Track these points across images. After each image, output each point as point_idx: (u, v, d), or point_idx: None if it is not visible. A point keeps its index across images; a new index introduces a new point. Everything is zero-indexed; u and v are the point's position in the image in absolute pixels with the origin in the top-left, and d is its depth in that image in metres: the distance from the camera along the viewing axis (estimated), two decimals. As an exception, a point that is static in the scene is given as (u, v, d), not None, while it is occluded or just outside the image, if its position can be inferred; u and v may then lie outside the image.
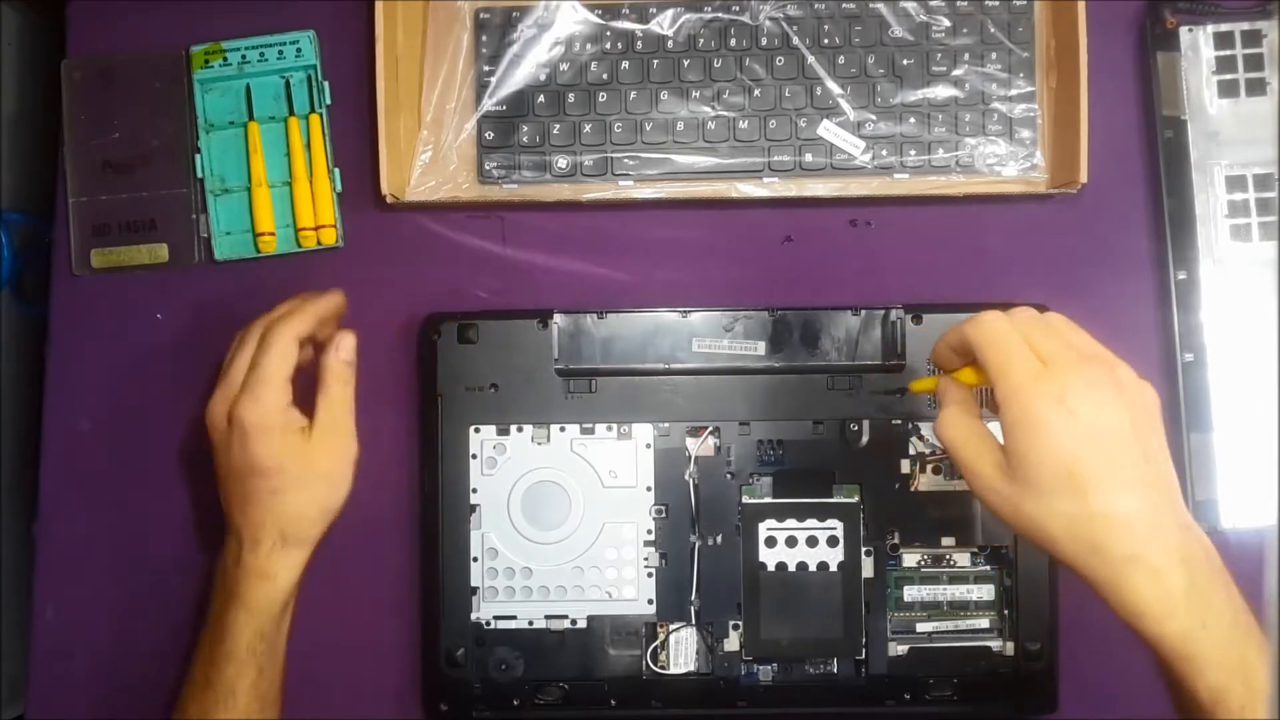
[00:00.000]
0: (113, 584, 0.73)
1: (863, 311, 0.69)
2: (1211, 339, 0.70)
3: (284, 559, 0.62)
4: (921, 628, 0.69)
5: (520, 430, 0.69)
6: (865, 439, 0.69)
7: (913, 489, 0.69)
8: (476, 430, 0.69)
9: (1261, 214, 0.71)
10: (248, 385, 0.62)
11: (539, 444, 0.69)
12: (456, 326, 0.69)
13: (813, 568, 0.68)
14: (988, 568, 0.69)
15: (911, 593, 0.69)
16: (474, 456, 0.69)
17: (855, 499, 0.69)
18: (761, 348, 0.69)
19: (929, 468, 0.69)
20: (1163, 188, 0.71)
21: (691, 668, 0.69)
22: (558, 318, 0.69)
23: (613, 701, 0.69)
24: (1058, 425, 0.49)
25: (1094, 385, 0.49)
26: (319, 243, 0.73)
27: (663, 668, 0.69)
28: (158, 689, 0.72)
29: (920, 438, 0.69)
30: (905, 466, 0.69)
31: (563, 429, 0.69)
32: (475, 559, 0.69)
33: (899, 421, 0.69)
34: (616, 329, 0.69)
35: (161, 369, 0.73)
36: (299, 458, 0.62)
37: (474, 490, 0.69)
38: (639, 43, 0.72)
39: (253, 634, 0.62)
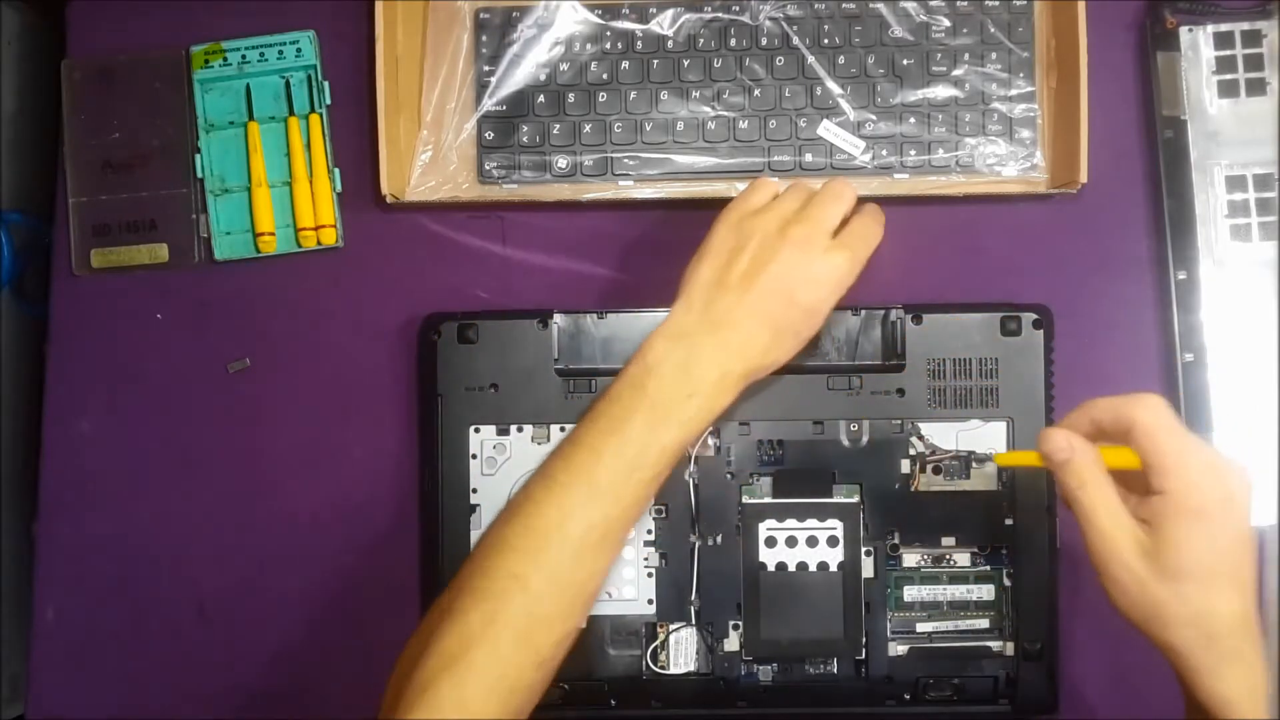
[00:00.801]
0: (113, 584, 0.73)
1: (862, 311, 0.69)
2: (1211, 339, 0.70)
3: (738, 388, 0.61)
4: (921, 628, 0.69)
5: (520, 430, 0.69)
6: (865, 439, 0.69)
7: (913, 489, 0.69)
8: (476, 430, 0.69)
9: (1261, 214, 0.71)
10: (859, 234, 0.63)
11: (539, 444, 0.69)
12: (456, 326, 0.69)
13: (813, 568, 0.68)
14: (988, 568, 0.69)
15: (911, 593, 0.69)
16: (474, 456, 0.69)
17: (855, 499, 0.69)
18: None
19: (929, 468, 0.69)
20: (1163, 188, 0.71)
21: (691, 668, 0.69)
22: (558, 318, 0.69)
23: (613, 701, 0.69)
24: (1224, 523, 0.52)
25: (1248, 491, 0.53)
26: (319, 243, 0.73)
27: (663, 668, 0.69)
28: (158, 689, 0.72)
29: (920, 438, 0.69)
30: (905, 466, 0.69)
31: (563, 429, 0.69)
32: None
33: (899, 421, 0.69)
34: (616, 329, 0.69)
35: (161, 369, 0.73)
36: (806, 310, 0.61)
37: (474, 490, 0.69)
38: (639, 43, 0.72)
39: (695, 436, 0.61)
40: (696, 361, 0.59)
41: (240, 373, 0.73)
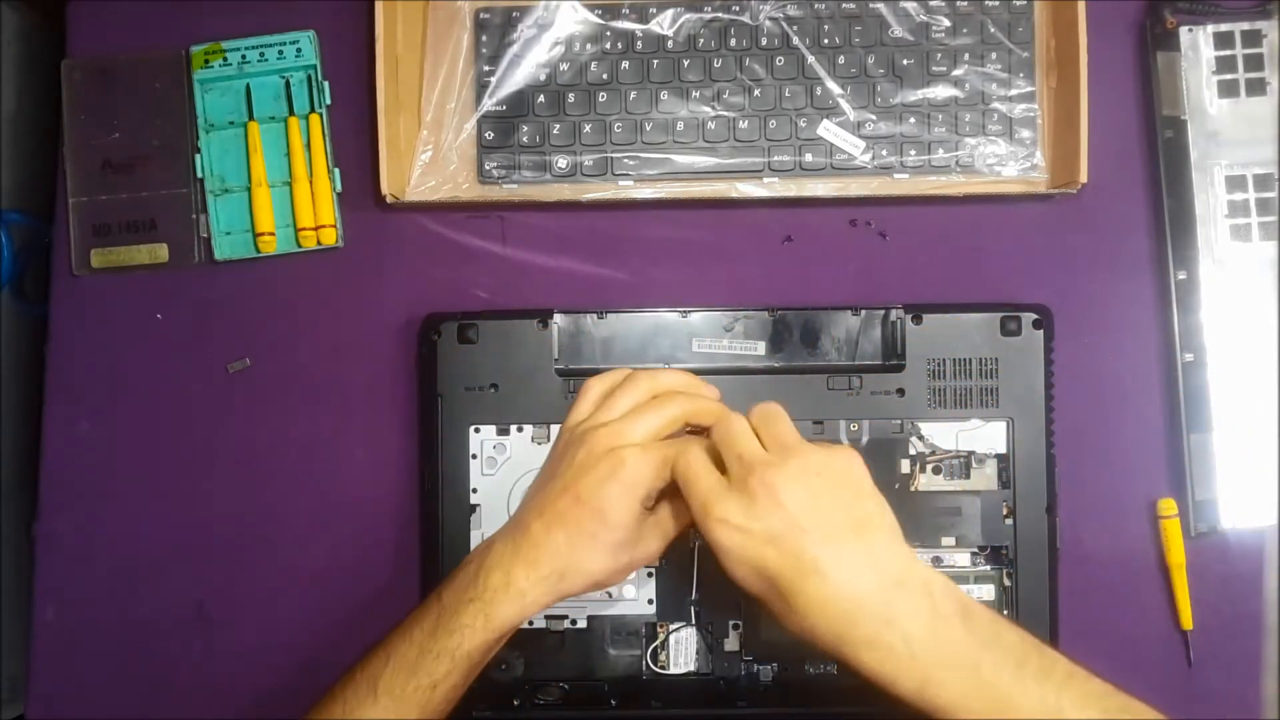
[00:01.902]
0: (113, 584, 0.73)
1: (863, 311, 0.69)
2: (1211, 339, 0.70)
3: (546, 593, 0.57)
4: None
5: (520, 430, 0.69)
6: (865, 439, 0.69)
7: (913, 489, 0.69)
8: (476, 430, 0.69)
9: (1261, 214, 0.71)
10: (644, 444, 0.57)
11: (539, 444, 0.69)
12: (456, 326, 0.69)
13: None
14: (988, 568, 0.69)
15: None
16: (474, 456, 0.69)
17: None
18: (761, 348, 0.69)
19: (929, 468, 0.69)
20: (1163, 188, 0.71)
21: (691, 668, 0.69)
22: (558, 318, 0.69)
23: (613, 701, 0.69)
24: (758, 526, 0.52)
25: (765, 472, 0.52)
26: (319, 243, 0.73)
27: (663, 667, 0.69)
28: (158, 689, 0.72)
29: (920, 438, 0.69)
30: (905, 466, 0.69)
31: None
32: None
33: (899, 421, 0.69)
34: (616, 329, 0.69)
35: (161, 369, 0.73)
36: (630, 526, 0.58)
37: (474, 490, 0.69)
38: (639, 43, 0.72)
39: (484, 642, 0.57)
40: (487, 566, 0.57)
41: (240, 373, 0.73)
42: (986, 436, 0.69)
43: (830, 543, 0.51)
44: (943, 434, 0.69)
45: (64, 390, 0.74)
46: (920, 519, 0.69)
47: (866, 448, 0.69)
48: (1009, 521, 0.68)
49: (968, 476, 0.69)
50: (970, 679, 0.50)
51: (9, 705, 0.78)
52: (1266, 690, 0.69)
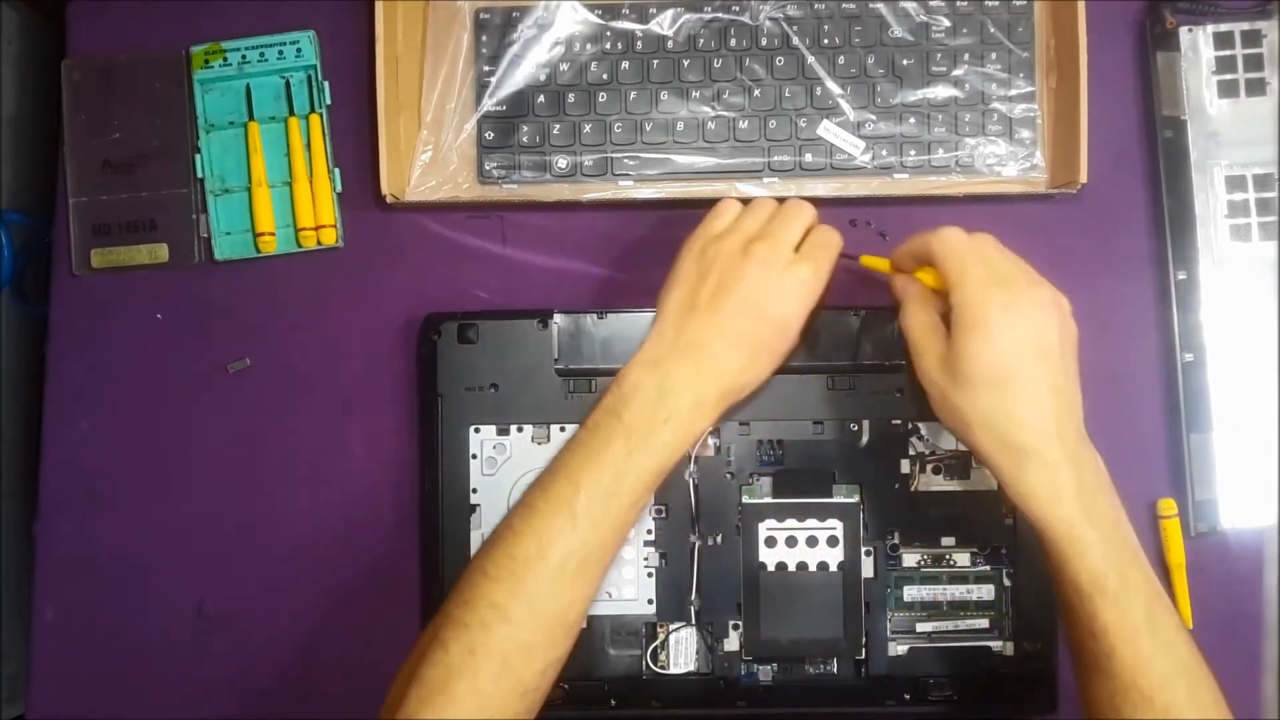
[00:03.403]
0: (113, 584, 0.73)
1: (863, 311, 0.69)
2: (1211, 339, 0.70)
3: (716, 410, 0.61)
4: (921, 628, 0.69)
5: (520, 430, 0.69)
6: (865, 439, 0.69)
7: (913, 489, 0.69)
8: (476, 430, 0.69)
9: (1261, 214, 0.71)
10: (817, 259, 0.62)
11: (539, 444, 0.69)
12: (456, 326, 0.69)
13: (813, 568, 0.68)
14: (988, 568, 0.69)
15: (911, 592, 0.69)
16: (474, 456, 0.69)
17: (855, 499, 0.69)
18: None
19: (929, 468, 0.69)
20: (1162, 188, 0.71)
21: (691, 668, 0.69)
22: (558, 318, 0.69)
23: (613, 701, 0.69)
24: (1001, 330, 0.56)
25: (1038, 305, 0.57)
26: (319, 243, 0.73)
27: (662, 668, 0.69)
28: (158, 689, 0.72)
29: (920, 438, 0.69)
30: (905, 466, 0.69)
31: (563, 429, 0.69)
32: None
33: (899, 421, 0.69)
34: (616, 329, 0.69)
35: (161, 369, 0.73)
36: (779, 325, 0.62)
37: (474, 490, 0.69)
38: (639, 43, 0.72)
39: (676, 457, 0.60)
40: (671, 387, 0.60)
41: (240, 373, 0.73)
42: None
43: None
44: (943, 434, 0.69)
45: (64, 390, 0.74)
46: (920, 519, 0.69)
47: (866, 448, 0.69)
48: (1009, 521, 0.68)
49: (968, 476, 0.69)
50: (1110, 534, 0.56)
51: (9, 705, 0.78)
52: (1266, 690, 0.69)
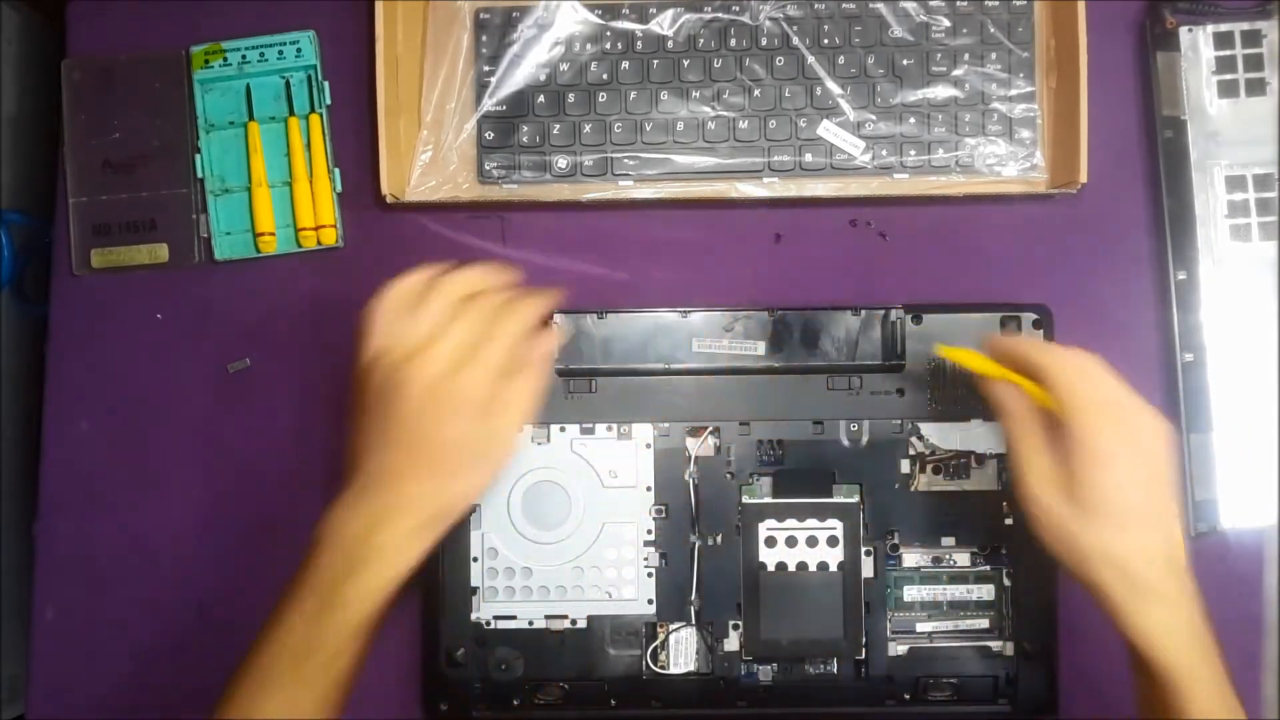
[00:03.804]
0: (113, 584, 0.73)
1: (863, 311, 0.69)
2: (1211, 339, 0.70)
3: (421, 542, 0.57)
4: (921, 627, 0.69)
5: (520, 430, 0.69)
6: (865, 439, 0.69)
7: (913, 489, 0.69)
8: None
9: (1261, 214, 0.71)
10: (480, 358, 0.57)
11: (539, 444, 0.69)
12: None
13: (813, 568, 0.68)
14: (987, 568, 0.69)
15: (911, 593, 0.69)
16: None
17: (855, 499, 0.69)
18: (761, 348, 0.69)
19: (929, 468, 0.69)
20: (1162, 188, 0.71)
21: (691, 668, 0.69)
22: (557, 318, 0.69)
23: (612, 701, 0.69)
24: (1125, 462, 0.55)
25: (1156, 435, 0.56)
26: (319, 243, 0.73)
27: (662, 667, 0.69)
28: (158, 689, 0.72)
29: (920, 438, 0.69)
30: (905, 466, 0.69)
31: (563, 429, 0.69)
32: (475, 559, 0.69)
33: (899, 421, 0.69)
34: (616, 329, 0.69)
35: (161, 369, 0.73)
36: (487, 442, 0.58)
37: None
38: (639, 43, 0.72)
39: (375, 608, 0.56)
40: (355, 536, 0.56)
41: (240, 373, 0.73)
42: (986, 437, 0.69)
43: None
44: (943, 434, 0.69)
45: (64, 390, 0.74)
46: (920, 519, 0.69)
47: (866, 448, 0.69)
48: (1009, 521, 0.68)
49: (968, 476, 0.69)
50: (1219, 677, 0.55)
51: (9, 705, 0.78)
52: (1266, 690, 0.69)
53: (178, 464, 0.73)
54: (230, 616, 0.72)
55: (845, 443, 0.69)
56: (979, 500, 0.69)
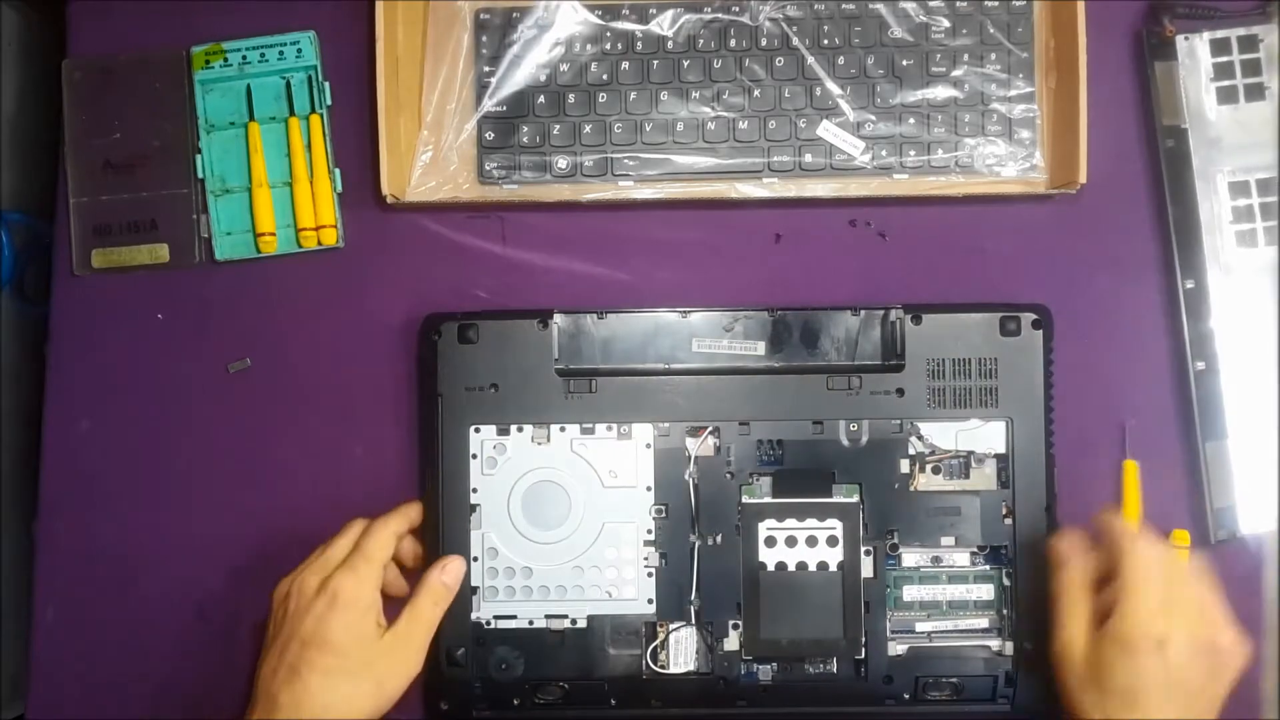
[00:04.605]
0: (113, 584, 0.73)
1: (862, 312, 0.69)
2: (1223, 346, 0.70)
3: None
4: (921, 627, 0.69)
5: (520, 430, 0.69)
6: (865, 439, 0.69)
7: (912, 489, 0.69)
8: (477, 430, 0.69)
9: (1266, 219, 0.70)
10: (349, 561, 0.63)
11: (539, 444, 0.69)
12: (456, 326, 0.69)
13: (812, 567, 0.68)
14: (987, 567, 0.69)
15: (911, 592, 0.69)
16: (474, 456, 0.69)
17: (855, 499, 0.69)
18: (761, 348, 0.69)
19: (929, 467, 0.69)
20: (1166, 197, 0.71)
21: (691, 667, 0.69)
22: (558, 318, 0.69)
23: (612, 701, 0.69)
24: (1148, 663, 0.58)
25: (1194, 647, 0.58)
26: (319, 243, 0.73)
27: (663, 667, 0.69)
28: (158, 689, 0.72)
29: (920, 438, 0.69)
30: (905, 466, 0.69)
31: (563, 429, 0.69)
32: (475, 559, 0.69)
33: (898, 421, 0.69)
34: (616, 329, 0.69)
35: (161, 369, 0.73)
36: (366, 647, 0.61)
37: (474, 490, 0.69)
38: (639, 43, 0.72)
39: None
40: None
41: (240, 373, 0.73)
42: (986, 436, 0.69)
43: None
44: (942, 434, 0.69)
45: (64, 390, 0.74)
46: (920, 519, 0.69)
47: (866, 448, 0.69)
48: (1008, 521, 0.68)
49: (967, 476, 0.69)
50: None
51: (9, 705, 0.78)
52: (1266, 690, 0.69)
53: (178, 464, 0.73)
54: (230, 617, 0.72)
55: (845, 443, 0.69)
56: (979, 500, 0.69)
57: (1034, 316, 0.69)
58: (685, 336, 0.70)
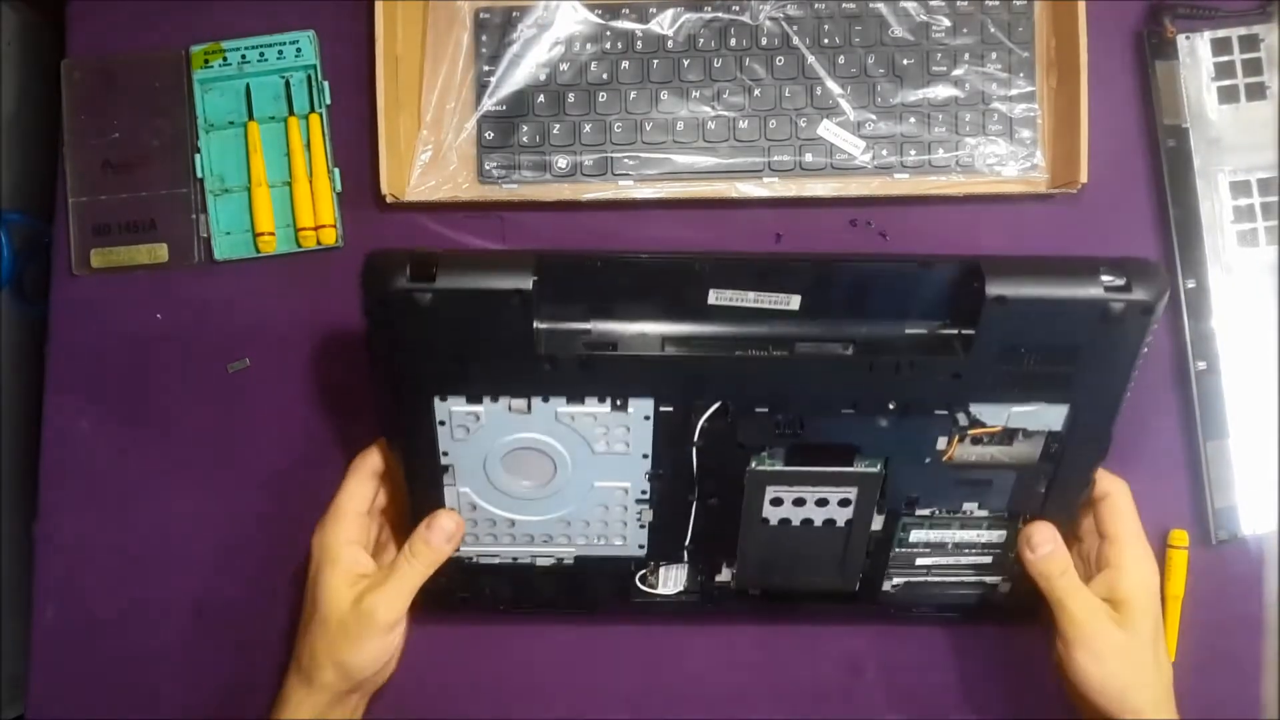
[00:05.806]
0: (113, 584, 0.73)
1: (935, 266, 0.57)
2: (1224, 345, 0.70)
3: (298, 692, 0.63)
4: (921, 563, 0.66)
5: (495, 401, 0.60)
6: (902, 419, 0.59)
7: (946, 460, 0.61)
8: (442, 400, 0.59)
9: (1267, 218, 0.70)
10: (322, 517, 0.63)
11: (520, 415, 0.60)
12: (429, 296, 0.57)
13: (818, 524, 0.63)
14: (1005, 517, 0.64)
15: (918, 535, 0.65)
16: (441, 423, 0.60)
17: (878, 469, 0.61)
18: (795, 302, 0.59)
19: (967, 439, 0.60)
20: (1168, 197, 0.71)
21: (681, 588, 0.67)
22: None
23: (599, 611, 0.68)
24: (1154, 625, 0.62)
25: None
26: (319, 243, 0.73)
27: (651, 587, 0.67)
28: (158, 689, 0.72)
29: (967, 413, 0.59)
30: (942, 443, 0.60)
31: (545, 400, 0.59)
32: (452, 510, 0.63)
33: (946, 403, 0.59)
34: (619, 282, 0.60)
35: (161, 369, 0.73)
36: (338, 601, 0.61)
37: (444, 454, 0.62)
38: (639, 43, 0.72)
39: None
40: (285, 700, 0.63)
41: (240, 373, 0.73)
42: (1042, 416, 0.59)
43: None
44: (994, 414, 0.59)
45: (64, 391, 0.74)
46: (948, 488, 0.62)
47: (901, 425, 0.60)
48: (1041, 490, 0.62)
49: (1010, 444, 0.61)
50: None
51: (9, 705, 0.78)
52: (1266, 690, 0.69)
53: (177, 464, 0.73)
54: (230, 617, 0.72)
55: (882, 423, 0.60)
56: (1014, 475, 0.62)
57: (1144, 300, 0.55)
58: (701, 290, 0.58)
